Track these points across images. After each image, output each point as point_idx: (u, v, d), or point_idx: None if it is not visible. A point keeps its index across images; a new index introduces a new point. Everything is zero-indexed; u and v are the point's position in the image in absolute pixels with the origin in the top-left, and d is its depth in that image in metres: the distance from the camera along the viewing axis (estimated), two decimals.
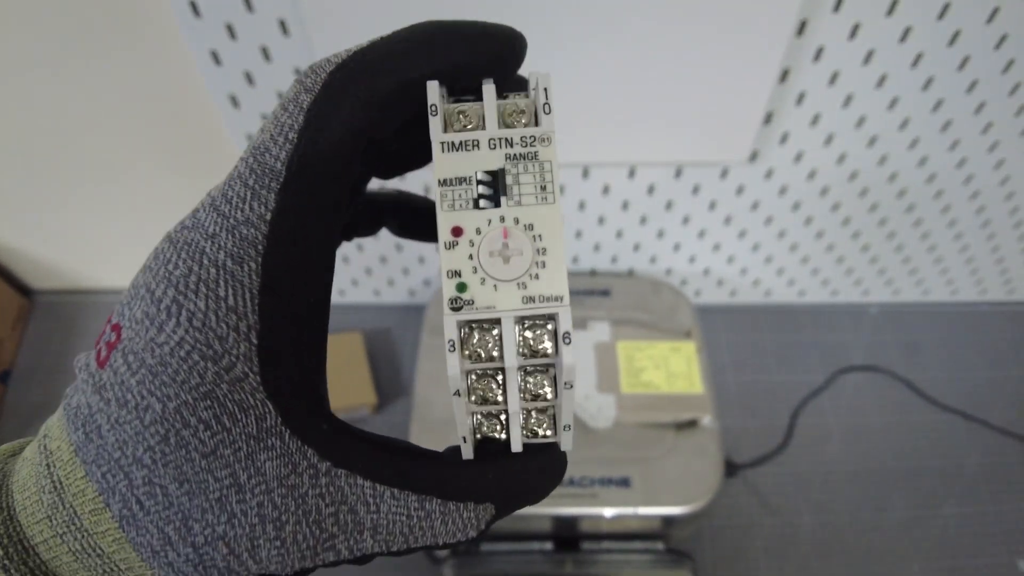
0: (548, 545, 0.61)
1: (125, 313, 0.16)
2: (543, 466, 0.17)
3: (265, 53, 0.60)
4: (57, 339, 0.90)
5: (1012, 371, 0.87)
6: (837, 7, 0.56)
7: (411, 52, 0.16)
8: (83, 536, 0.16)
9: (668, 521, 0.59)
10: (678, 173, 0.69)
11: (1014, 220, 0.79)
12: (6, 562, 0.15)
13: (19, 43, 0.62)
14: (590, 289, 0.73)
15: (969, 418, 0.83)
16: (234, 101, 0.64)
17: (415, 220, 0.22)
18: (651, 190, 0.71)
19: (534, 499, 0.17)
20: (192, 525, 0.15)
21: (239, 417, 0.15)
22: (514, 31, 0.17)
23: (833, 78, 0.62)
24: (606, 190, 0.71)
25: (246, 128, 0.66)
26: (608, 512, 0.58)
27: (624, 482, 0.59)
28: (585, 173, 0.69)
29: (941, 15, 0.57)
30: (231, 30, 0.58)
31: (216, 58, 0.60)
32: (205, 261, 0.15)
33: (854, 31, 0.58)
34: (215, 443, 0.15)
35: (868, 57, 0.60)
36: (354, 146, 0.15)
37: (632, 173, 0.69)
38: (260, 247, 0.15)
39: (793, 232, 0.79)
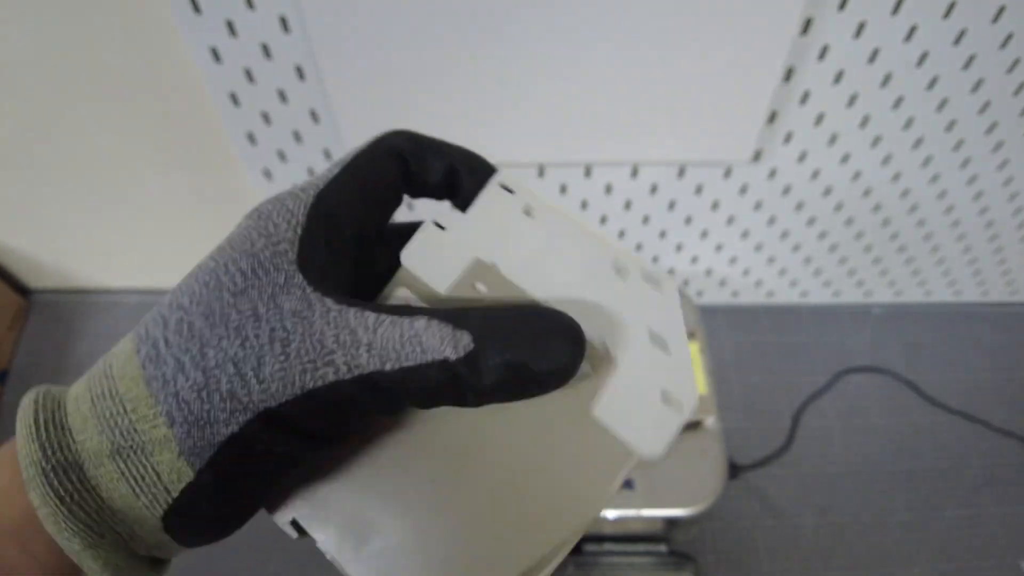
0: None
1: None
2: (536, 317, 0.18)
3: (266, 50, 0.59)
4: (55, 338, 0.90)
5: (1014, 372, 0.87)
6: (842, 5, 0.56)
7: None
8: (107, 380, 0.18)
9: (671, 523, 0.59)
10: (681, 173, 0.69)
11: (1017, 221, 0.79)
12: (37, 427, 0.18)
13: (17, 41, 0.62)
14: None
15: (971, 419, 0.83)
16: (234, 99, 0.63)
17: None
18: (654, 190, 0.71)
19: (519, 343, 0.17)
20: (207, 351, 0.17)
21: (271, 272, 0.18)
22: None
23: (838, 77, 0.61)
24: (608, 189, 0.71)
25: (245, 126, 0.66)
26: (611, 514, 0.57)
27: (626, 484, 0.58)
28: (587, 172, 0.69)
29: (947, 14, 0.57)
30: (231, 27, 0.57)
31: (216, 55, 0.59)
32: (282, 194, 0.20)
33: (859, 29, 0.57)
34: (245, 285, 0.18)
35: (873, 56, 0.60)
36: (399, 160, 0.21)
37: (635, 172, 0.69)
38: (320, 186, 0.20)
39: (796, 233, 0.78)
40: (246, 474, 0.18)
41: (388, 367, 0.17)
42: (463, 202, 0.21)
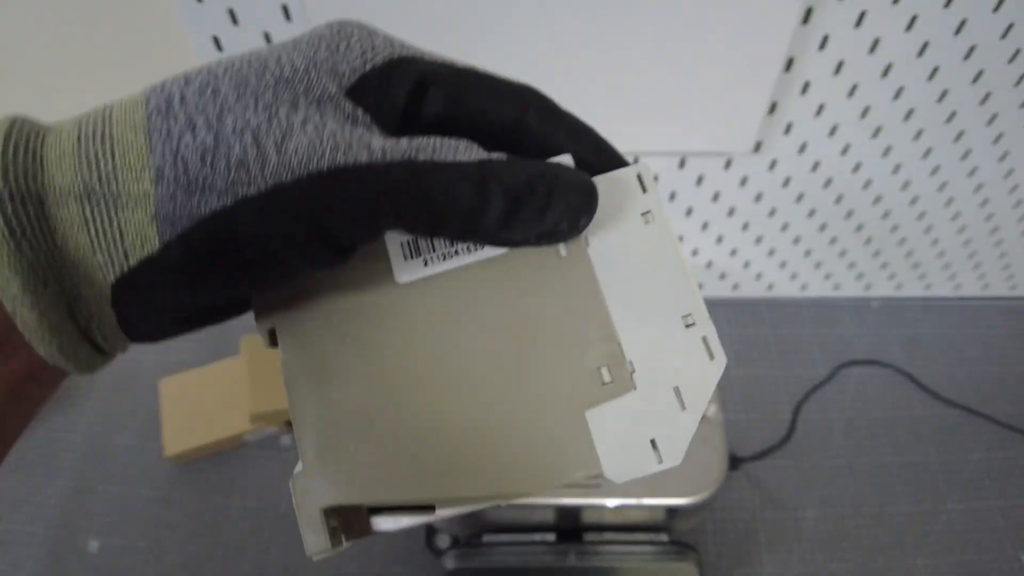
0: (550, 536, 0.61)
1: None
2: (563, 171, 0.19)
3: (268, 39, 0.59)
4: None
5: (1015, 366, 0.87)
6: None
7: None
8: (103, 122, 0.16)
9: (672, 512, 0.59)
10: (682, 164, 0.69)
11: (1018, 214, 0.79)
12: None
13: (9, 28, 0.62)
14: None
15: (973, 412, 0.82)
16: None
17: None
18: (654, 180, 0.71)
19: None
20: (226, 117, 0.15)
21: (323, 81, 0.16)
22: None
23: (838, 67, 0.61)
24: None
25: None
26: (611, 503, 0.57)
27: None
28: None
29: (947, 3, 0.57)
30: (233, 15, 0.57)
31: (218, 44, 0.59)
32: (381, 31, 0.19)
33: (860, 19, 0.58)
34: (292, 76, 0.16)
35: (874, 46, 0.60)
36: (418, 82, 0.19)
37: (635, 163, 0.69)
38: (417, 55, 0.19)
39: (796, 225, 0.78)
40: (217, 263, 0.16)
41: (422, 157, 0.16)
42: (530, 149, 0.20)
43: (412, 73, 0.18)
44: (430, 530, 0.69)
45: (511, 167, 0.17)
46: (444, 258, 0.18)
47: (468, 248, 0.18)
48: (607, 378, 0.19)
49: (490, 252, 0.18)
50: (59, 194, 0.15)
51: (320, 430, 0.18)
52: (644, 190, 0.21)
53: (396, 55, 0.18)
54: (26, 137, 0.16)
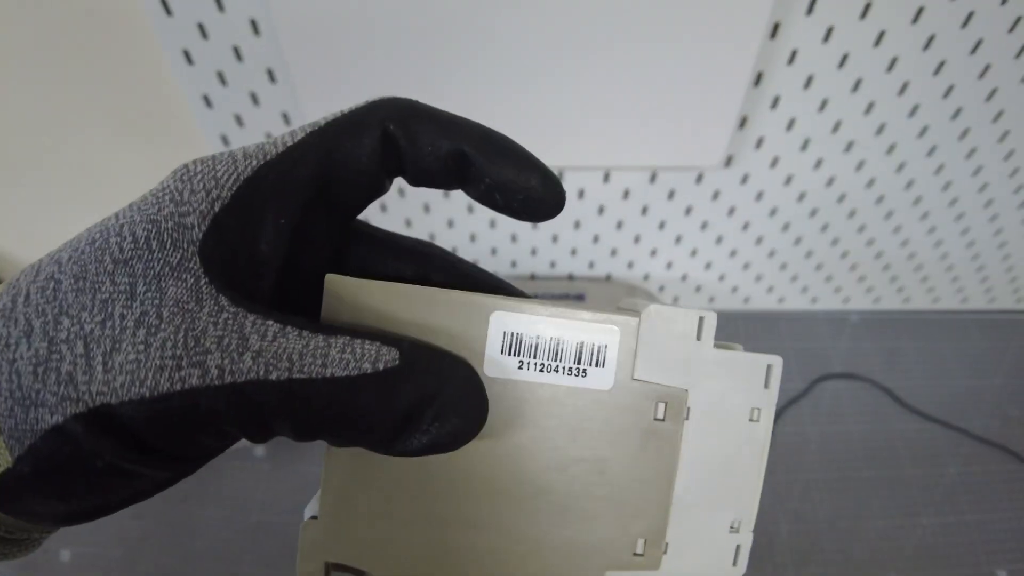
0: None
1: None
2: (462, 368, 0.16)
3: (237, 53, 0.59)
4: None
5: (992, 380, 0.87)
6: (810, 9, 0.56)
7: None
8: None
9: None
10: (653, 178, 0.69)
11: (994, 227, 0.79)
12: None
13: None
14: (564, 293, 0.72)
15: (949, 427, 0.82)
16: (207, 101, 0.63)
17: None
18: (626, 195, 0.71)
19: (447, 393, 0.15)
20: (62, 320, 0.14)
21: (167, 247, 0.15)
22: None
23: (808, 82, 0.61)
24: (581, 194, 0.71)
25: (220, 128, 0.66)
26: None
27: None
28: (560, 176, 0.69)
29: (915, 19, 0.57)
30: (203, 29, 0.57)
31: (188, 57, 0.59)
32: (225, 152, 0.16)
33: (828, 34, 0.58)
34: (132, 254, 0.15)
35: (843, 60, 0.60)
36: (383, 138, 0.17)
37: (607, 177, 0.69)
38: (269, 156, 0.16)
39: (771, 238, 0.78)
40: (72, 476, 0.14)
41: (273, 376, 0.14)
42: (480, 194, 0.18)
43: (266, 202, 0.16)
44: None
45: (395, 391, 0.15)
46: (543, 372, 0.16)
47: (572, 371, 0.16)
48: (640, 550, 0.18)
49: (596, 385, 0.17)
50: None
51: (346, 490, 0.17)
52: (767, 386, 0.19)
53: (244, 176, 0.16)
54: None
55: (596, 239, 0.77)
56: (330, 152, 0.17)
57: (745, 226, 0.76)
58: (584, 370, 0.16)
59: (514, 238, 0.77)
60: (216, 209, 0.15)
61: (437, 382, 0.15)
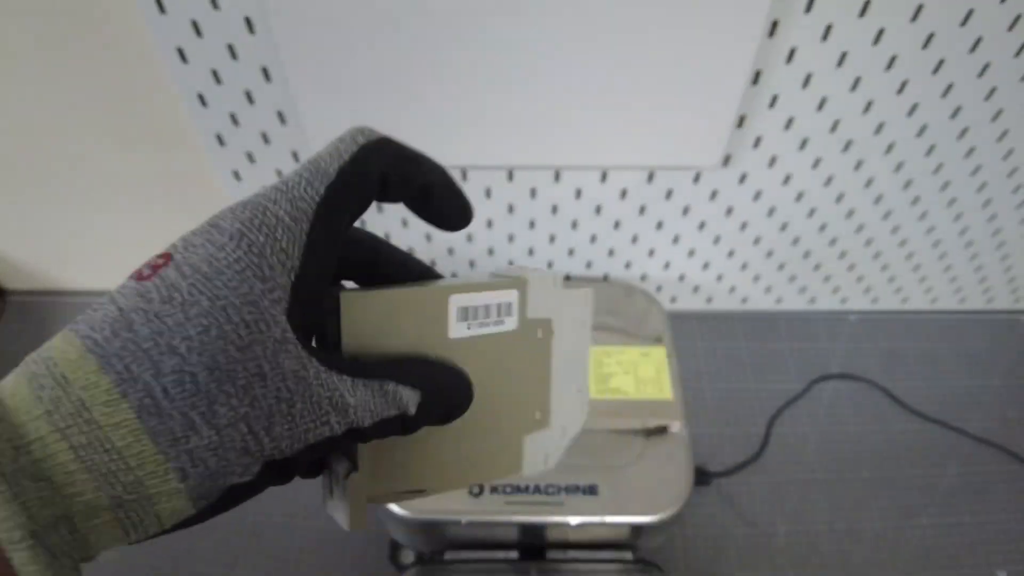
0: (513, 554, 0.60)
1: (179, 245, 0.19)
2: (457, 378, 0.24)
3: (232, 51, 0.59)
4: (28, 340, 0.88)
5: (990, 380, 0.86)
6: (809, 8, 0.55)
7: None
8: (91, 429, 0.16)
9: (636, 530, 0.58)
10: (650, 177, 0.69)
11: (992, 227, 0.78)
12: None
13: None
14: None
15: (947, 427, 0.82)
16: (202, 99, 0.63)
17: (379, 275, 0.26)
18: (624, 194, 0.71)
19: (451, 401, 0.24)
20: (217, 409, 0.17)
21: (271, 327, 0.18)
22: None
23: (806, 80, 0.61)
24: (579, 194, 0.71)
25: (215, 127, 0.65)
26: (574, 520, 0.56)
27: (591, 490, 0.57)
28: (557, 176, 0.68)
29: (915, 17, 0.57)
30: (197, 27, 0.57)
31: (183, 56, 0.59)
32: (267, 214, 0.19)
33: (827, 32, 0.57)
34: (250, 340, 0.18)
35: (841, 59, 0.59)
36: (381, 181, 0.22)
37: (604, 177, 0.68)
38: (310, 217, 0.20)
39: (769, 238, 0.78)
40: (236, 500, 0.19)
41: (367, 423, 0.20)
42: (432, 218, 0.24)
43: (323, 262, 0.20)
44: (394, 546, 0.68)
45: (427, 408, 0.23)
46: (481, 327, 0.25)
47: (495, 323, 0.26)
48: (538, 417, 0.28)
49: (508, 327, 0.26)
50: (88, 510, 0.17)
51: (376, 448, 0.24)
52: (587, 305, 0.29)
53: (303, 243, 0.20)
54: (11, 457, 0.16)
55: (593, 239, 0.77)
56: (350, 204, 0.21)
57: (743, 226, 0.75)
58: (502, 320, 0.26)
59: (511, 238, 0.77)
60: (292, 279, 0.19)
61: (448, 403, 0.24)
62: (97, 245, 0.85)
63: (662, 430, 0.61)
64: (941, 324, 0.91)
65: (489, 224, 0.75)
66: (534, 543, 0.60)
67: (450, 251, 0.79)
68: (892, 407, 0.84)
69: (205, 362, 0.17)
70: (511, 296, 0.26)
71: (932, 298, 0.90)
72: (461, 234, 0.77)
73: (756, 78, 0.60)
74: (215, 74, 0.61)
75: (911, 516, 0.76)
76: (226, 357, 0.18)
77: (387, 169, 0.21)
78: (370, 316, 0.23)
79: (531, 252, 0.79)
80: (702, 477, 0.73)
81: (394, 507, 0.56)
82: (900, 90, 0.62)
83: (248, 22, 0.57)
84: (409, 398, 0.22)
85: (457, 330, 0.25)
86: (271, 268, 0.19)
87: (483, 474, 0.28)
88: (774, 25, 0.57)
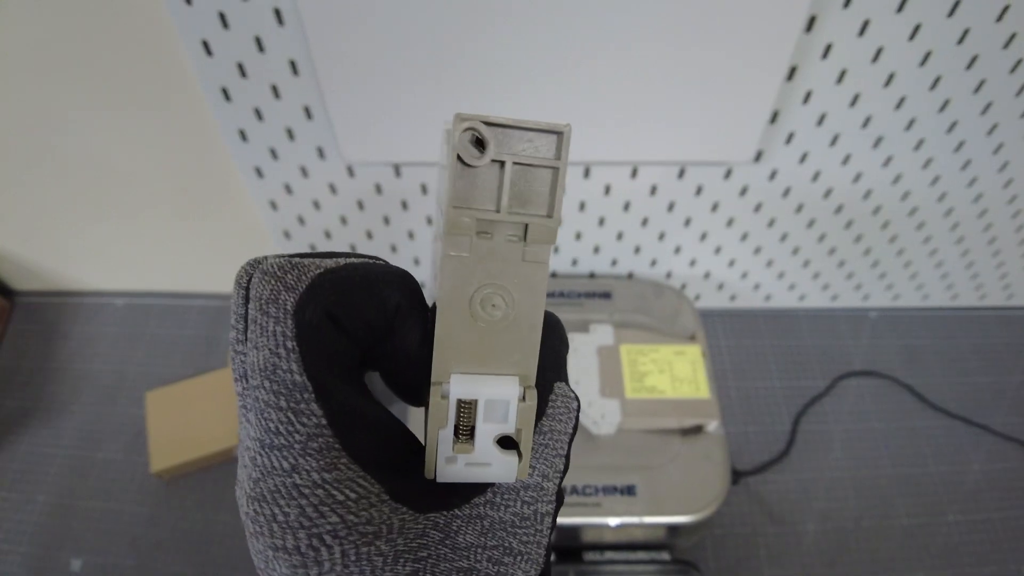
0: (551, 556, 0.59)
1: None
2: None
3: (259, 43, 0.58)
4: (38, 341, 0.87)
5: (1013, 376, 0.86)
6: (847, 3, 0.55)
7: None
8: None
9: (673, 530, 0.57)
10: (681, 173, 0.68)
11: (1015, 224, 0.78)
12: None
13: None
14: (591, 291, 0.71)
15: (971, 423, 0.82)
16: (225, 94, 0.62)
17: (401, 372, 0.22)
18: (653, 191, 0.70)
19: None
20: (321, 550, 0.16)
21: (393, 524, 0.17)
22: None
23: (841, 76, 0.60)
24: (607, 190, 0.70)
25: (237, 123, 0.64)
26: (612, 522, 0.56)
27: (629, 490, 0.57)
28: (587, 173, 0.68)
29: (951, 13, 0.56)
30: (224, 19, 0.56)
31: (208, 48, 0.58)
32: (305, 491, 0.16)
33: (864, 28, 0.57)
34: (380, 535, 0.17)
35: (877, 54, 0.59)
36: (352, 350, 0.18)
37: (635, 173, 0.68)
38: (335, 445, 0.17)
39: (795, 235, 0.77)
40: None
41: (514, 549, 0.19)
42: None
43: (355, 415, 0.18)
44: None
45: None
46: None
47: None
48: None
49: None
50: None
51: None
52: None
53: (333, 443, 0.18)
54: None
55: (620, 236, 0.76)
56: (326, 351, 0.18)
57: (771, 223, 0.75)
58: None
59: None
60: (330, 435, 0.17)
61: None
62: (105, 246, 0.84)
63: (698, 429, 0.60)
64: (961, 320, 0.91)
65: None
66: (571, 544, 0.60)
67: None
68: (915, 403, 0.84)
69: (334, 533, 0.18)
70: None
71: (953, 295, 0.90)
72: None
73: (791, 74, 0.60)
74: (240, 67, 0.60)
75: (937, 513, 0.76)
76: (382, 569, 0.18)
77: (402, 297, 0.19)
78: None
79: (555, 250, 0.78)
80: (732, 476, 0.72)
81: None
82: (933, 86, 0.62)
83: (277, 13, 0.55)
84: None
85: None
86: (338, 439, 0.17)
87: None
88: (811, 20, 0.56)
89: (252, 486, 0.17)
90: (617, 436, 0.60)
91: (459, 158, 0.17)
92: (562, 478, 0.20)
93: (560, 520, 0.56)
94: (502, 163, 0.18)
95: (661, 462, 0.59)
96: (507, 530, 0.19)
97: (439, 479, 0.19)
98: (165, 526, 0.73)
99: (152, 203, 0.78)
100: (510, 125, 0.18)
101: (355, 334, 0.18)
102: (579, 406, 0.21)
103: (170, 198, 0.77)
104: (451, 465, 0.19)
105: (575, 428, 0.20)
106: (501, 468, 0.19)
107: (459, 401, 0.18)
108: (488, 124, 0.18)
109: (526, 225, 0.18)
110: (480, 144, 0.18)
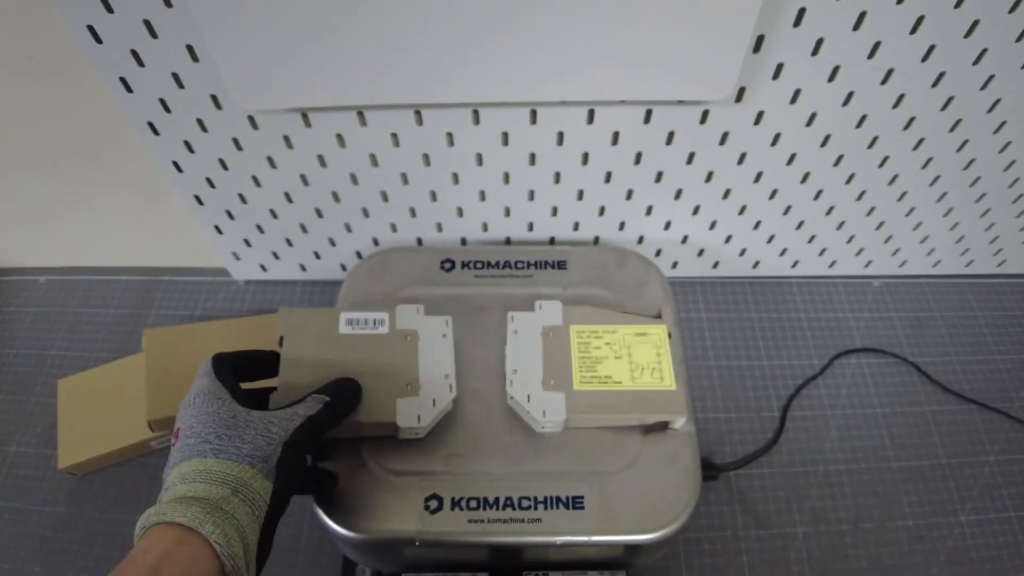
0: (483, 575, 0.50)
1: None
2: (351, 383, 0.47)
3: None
4: None
5: None
6: None
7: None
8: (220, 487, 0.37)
9: (631, 549, 0.47)
10: (647, 117, 0.57)
11: None
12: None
13: None
14: (543, 260, 0.60)
15: (986, 407, 0.73)
16: (93, 33, 0.50)
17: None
18: (616, 139, 0.59)
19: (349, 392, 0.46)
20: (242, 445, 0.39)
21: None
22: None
23: None
24: (561, 139, 0.59)
25: (116, 70, 0.53)
26: (555, 541, 0.46)
27: (576, 503, 0.47)
28: (533, 118, 0.56)
29: None
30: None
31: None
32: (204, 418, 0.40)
33: None
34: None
35: None
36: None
37: (591, 117, 0.57)
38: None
39: (787, 192, 0.67)
40: (295, 466, 0.40)
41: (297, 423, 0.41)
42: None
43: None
44: (347, 564, 0.57)
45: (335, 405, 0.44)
46: (361, 329, 0.49)
47: (372, 328, 0.50)
48: (409, 390, 0.47)
49: (381, 331, 0.50)
50: (245, 520, 0.37)
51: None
52: (450, 330, 0.52)
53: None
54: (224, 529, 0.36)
55: (580, 195, 0.65)
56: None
57: (758, 177, 0.64)
58: (376, 328, 0.51)
59: (483, 196, 0.65)
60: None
61: (346, 404, 0.45)
62: (30, 224, 0.77)
63: (662, 427, 0.50)
64: (976, 289, 0.81)
65: (455, 179, 0.63)
66: (509, 564, 0.50)
67: (412, 212, 0.68)
68: (923, 385, 0.74)
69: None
70: (383, 316, 0.51)
71: (968, 260, 0.80)
72: (427, 192, 0.65)
73: None
74: (105, 2, 0.48)
75: (948, 512, 0.67)
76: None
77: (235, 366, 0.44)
78: (308, 332, 0.48)
79: (507, 212, 0.67)
80: (708, 471, 0.63)
81: (334, 525, 0.46)
82: (957, 4, 0.50)
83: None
84: (322, 400, 0.43)
85: (344, 329, 0.49)
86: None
87: (368, 416, 0.46)
88: None
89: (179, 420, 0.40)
90: (563, 436, 0.49)
91: None
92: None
93: (492, 537, 0.46)
94: None
95: (616, 468, 0.48)
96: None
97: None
98: (75, 528, 0.66)
99: (74, 182, 0.70)
100: None
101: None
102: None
103: (91, 176, 0.69)
104: None
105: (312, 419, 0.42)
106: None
107: None
108: None
109: None
110: None
